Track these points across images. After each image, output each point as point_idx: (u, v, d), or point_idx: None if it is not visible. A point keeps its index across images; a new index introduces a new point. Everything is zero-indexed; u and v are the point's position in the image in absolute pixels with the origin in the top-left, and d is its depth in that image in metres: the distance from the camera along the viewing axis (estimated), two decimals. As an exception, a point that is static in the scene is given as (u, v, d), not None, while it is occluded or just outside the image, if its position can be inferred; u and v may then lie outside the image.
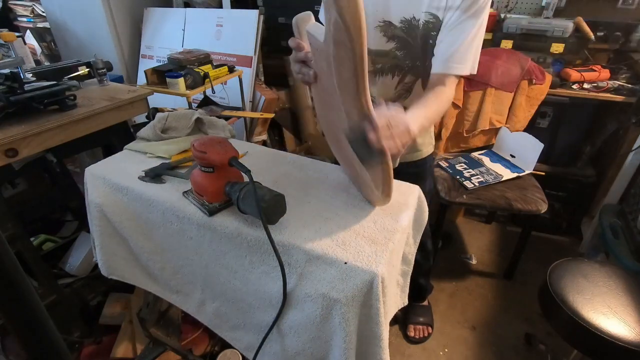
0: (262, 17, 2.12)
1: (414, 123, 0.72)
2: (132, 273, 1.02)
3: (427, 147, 1.22)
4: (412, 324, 1.60)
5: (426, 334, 1.59)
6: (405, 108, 1.03)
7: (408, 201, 0.85)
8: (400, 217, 0.80)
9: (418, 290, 1.62)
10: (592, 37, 1.75)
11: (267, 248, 0.74)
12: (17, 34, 1.45)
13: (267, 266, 0.76)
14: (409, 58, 1.01)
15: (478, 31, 0.90)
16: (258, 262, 0.77)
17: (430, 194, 1.46)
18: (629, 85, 1.72)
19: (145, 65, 2.34)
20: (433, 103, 0.89)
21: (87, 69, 1.51)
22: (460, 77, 0.95)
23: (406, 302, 0.96)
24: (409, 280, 0.95)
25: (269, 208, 0.69)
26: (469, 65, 0.92)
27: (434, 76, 0.95)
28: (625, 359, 0.96)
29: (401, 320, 1.64)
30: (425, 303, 1.68)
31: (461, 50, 0.90)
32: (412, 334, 1.58)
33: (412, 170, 1.19)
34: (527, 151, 1.72)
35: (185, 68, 1.74)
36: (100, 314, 1.52)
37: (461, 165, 1.80)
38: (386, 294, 0.71)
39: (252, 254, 0.77)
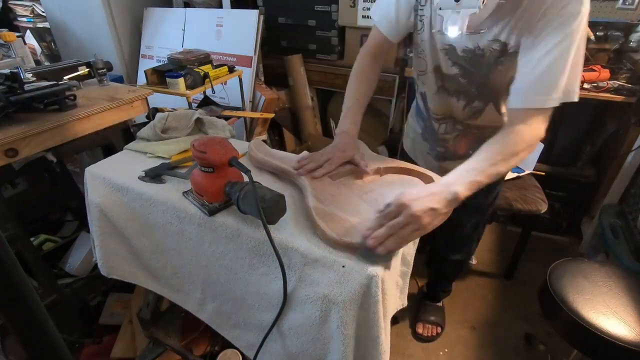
0: (262, 17, 2.12)
1: (457, 185, 0.66)
2: (133, 272, 1.02)
3: None
4: (422, 321, 1.61)
5: (435, 334, 1.59)
6: (479, 126, 1.02)
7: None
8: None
9: (438, 291, 1.64)
10: (592, 37, 1.75)
11: (267, 249, 0.74)
12: (17, 34, 1.45)
13: (267, 267, 0.76)
14: (475, 86, 0.93)
15: (567, 47, 0.72)
16: (258, 263, 0.77)
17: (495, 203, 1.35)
18: (629, 85, 1.72)
19: (145, 65, 2.34)
20: (497, 154, 0.73)
21: (87, 69, 1.51)
22: (549, 109, 0.79)
23: (405, 304, 0.96)
24: (408, 281, 0.95)
25: (269, 208, 0.69)
26: (558, 94, 0.77)
27: (512, 112, 0.81)
28: (625, 359, 0.96)
29: (411, 316, 1.65)
30: (440, 304, 1.68)
31: (544, 75, 0.74)
32: (420, 331, 1.59)
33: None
34: (527, 151, 1.72)
35: (185, 68, 1.73)
36: (100, 314, 1.52)
37: (461, 165, 1.80)
38: (386, 296, 0.70)
39: (252, 255, 0.77)
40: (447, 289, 1.65)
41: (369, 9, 1.96)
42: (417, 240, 0.91)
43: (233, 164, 0.73)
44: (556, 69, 0.74)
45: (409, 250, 0.90)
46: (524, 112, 0.78)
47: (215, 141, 0.75)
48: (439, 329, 1.60)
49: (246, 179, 0.71)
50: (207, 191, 0.78)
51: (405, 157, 1.31)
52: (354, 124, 0.96)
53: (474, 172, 0.71)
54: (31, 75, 1.34)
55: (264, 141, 2.25)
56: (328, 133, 2.54)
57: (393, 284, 0.84)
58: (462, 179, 0.69)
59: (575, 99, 0.79)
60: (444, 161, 1.18)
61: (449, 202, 0.66)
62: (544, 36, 0.73)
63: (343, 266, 0.68)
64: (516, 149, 0.75)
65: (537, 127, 0.78)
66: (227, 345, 0.96)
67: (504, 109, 0.98)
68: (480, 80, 0.92)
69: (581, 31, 0.73)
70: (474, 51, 0.87)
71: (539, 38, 0.74)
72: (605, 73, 1.77)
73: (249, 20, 2.12)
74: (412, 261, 0.92)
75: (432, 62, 0.97)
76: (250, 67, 2.14)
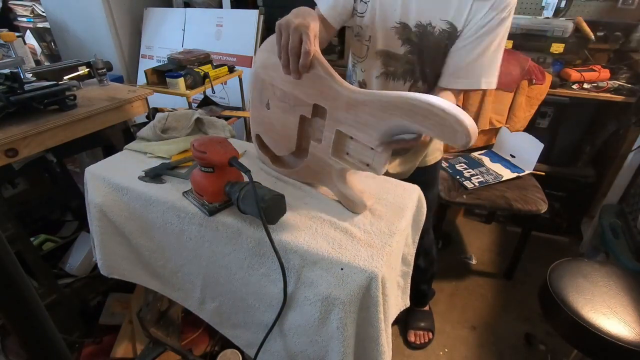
0: (262, 17, 2.12)
1: None
2: (133, 271, 1.02)
3: (435, 153, 1.21)
4: (413, 329, 1.59)
5: (427, 340, 1.57)
6: None
7: (407, 202, 0.85)
8: (399, 218, 0.79)
9: (420, 296, 1.61)
10: (592, 37, 1.75)
11: (267, 249, 0.74)
12: (17, 34, 1.45)
13: (267, 268, 0.76)
14: (421, 64, 0.99)
15: (490, 46, 0.88)
16: (258, 264, 0.77)
17: (436, 199, 1.44)
18: (629, 85, 1.72)
19: (145, 65, 2.34)
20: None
21: (87, 69, 1.51)
22: (465, 91, 0.95)
23: (408, 304, 0.96)
24: (409, 281, 0.95)
25: (269, 208, 0.69)
26: (479, 79, 0.91)
27: (437, 90, 0.95)
28: (625, 359, 0.96)
29: (402, 324, 1.63)
30: (427, 308, 1.66)
31: (470, 65, 0.89)
32: (412, 339, 1.57)
33: (421, 177, 1.15)
34: (527, 151, 1.72)
35: (185, 68, 1.74)
36: (100, 314, 1.52)
37: (461, 165, 1.80)
38: (387, 297, 0.70)
39: (252, 256, 0.77)
40: (428, 292, 1.62)
41: (369, 9, 1.96)
42: (417, 240, 0.92)
43: (233, 164, 0.73)
44: (481, 60, 0.89)
45: (409, 250, 0.90)
46: (447, 91, 0.93)
47: (215, 141, 0.75)
48: (430, 335, 1.58)
49: (246, 179, 0.71)
50: (207, 191, 0.78)
51: None
52: None
53: None
54: (31, 75, 1.34)
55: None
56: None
57: (394, 285, 0.84)
58: None
59: (494, 86, 0.94)
60: None
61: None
62: (482, 32, 0.87)
63: (341, 269, 0.68)
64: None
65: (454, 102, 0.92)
66: (227, 345, 0.97)
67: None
68: (428, 58, 0.97)
69: (507, 31, 0.89)
70: (425, 27, 0.92)
71: (480, 32, 0.87)
72: (605, 73, 1.77)
73: (249, 20, 2.12)
74: (412, 261, 0.92)
75: (379, 44, 0.99)
76: (250, 67, 2.14)
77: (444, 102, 0.60)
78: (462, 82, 0.92)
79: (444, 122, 0.59)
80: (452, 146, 0.67)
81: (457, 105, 0.87)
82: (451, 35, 0.91)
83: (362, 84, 1.10)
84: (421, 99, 0.61)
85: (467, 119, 0.59)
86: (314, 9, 0.94)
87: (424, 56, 0.97)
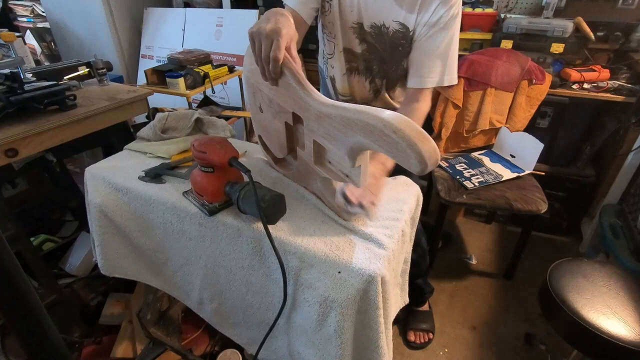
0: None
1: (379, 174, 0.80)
2: (135, 269, 1.02)
3: None
4: (413, 330, 1.57)
5: (427, 340, 1.56)
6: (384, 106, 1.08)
7: (406, 200, 0.85)
8: (398, 218, 0.79)
9: (418, 292, 1.58)
10: (592, 37, 1.75)
11: (267, 250, 0.74)
12: (17, 34, 1.45)
13: (268, 268, 0.76)
14: (377, 62, 1.04)
15: (450, 42, 0.93)
16: (258, 264, 0.77)
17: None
18: (629, 85, 1.72)
19: (145, 65, 2.34)
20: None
21: (87, 69, 1.51)
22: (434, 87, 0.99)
23: (407, 300, 0.96)
24: (407, 278, 0.95)
25: (269, 208, 0.69)
26: (441, 77, 0.96)
27: (410, 91, 1.00)
28: (625, 359, 0.96)
29: (401, 324, 1.62)
30: (426, 308, 1.64)
31: (432, 63, 0.94)
32: (412, 338, 1.55)
33: None
34: (527, 151, 1.72)
35: (185, 68, 1.74)
36: (100, 314, 1.52)
37: (461, 165, 1.80)
38: (387, 299, 0.70)
39: (253, 256, 0.77)
40: (425, 288, 1.58)
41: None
42: (413, 237, 0.92)
43: (233, 164, 0.73)
44: (442, 57, 0.94)
45: (407, 248, 0.90)
46: (418, 91, 0.97)
47: (215, 141, 0.75)
48: (431, 335, 1.57)
49: (246, 179, 0.71)
50: (207, 191, 0.78)
51: None
52: None
53: (382, 165, 0.83)
54: (31, 75, 1.34)
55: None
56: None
57: (393, 285, 0.84)
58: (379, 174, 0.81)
59: (455, 82, 0.98)
60: None
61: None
62: (436, 31, 0.92)
63: (339, 272, 0.67)
64: (419, 124, 0.90)
65: (427, 102, 0.98)
66: (227, 345, 0.97)
67: (395, 94, 1.13)
68: (385, 57, 1.02)
69: (458, 27, 0.94)
70: (380, 28, 0.97)
71: (432, 30, 0.92)
72: (605, 73, 1.77)
73: (249, 20, 2.12)
74: (410, 258, 0.92)
75: (341, 43, 1.05)
76: (250, 67, 2.14)
77: (401, 121, 0.54)
78: (428, 81, 0.96)
79: (397, 145, 0.53)
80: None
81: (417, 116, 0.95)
82: (405, 35, 0.96)
83: (332, 80, 1.16)
84: (376, 115, 0.56)
85: (423, 144, 0.52)
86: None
87: (381, 55, 1.02)
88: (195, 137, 1.09)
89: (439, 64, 0.94)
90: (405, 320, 1.61)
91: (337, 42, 1.06)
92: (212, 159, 0.73)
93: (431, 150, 0.53)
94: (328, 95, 1.23)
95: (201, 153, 0.74)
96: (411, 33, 0.95)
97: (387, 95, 1.14)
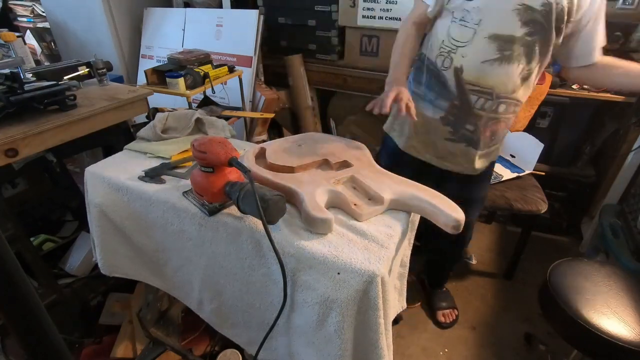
0: (262, 17, 2.12)
1: None
2: (135, 269, 1.02)
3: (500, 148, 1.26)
4: (441, 309, 1.67)
5: (454, 317, 1.66)
6: (517, 99, 1.09)
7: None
8: (397, 219, 0.79)
9: (442, 277, 1.72)
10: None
11: (267, 250, 0.74)
12: (17, 34, 1.45)
13: (268, 269, 0.76)
14: (539, 44, 1.01)
15: (604, 16, 0.98)
16: (258, 264, 0.77)
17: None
18: (629, 85, 1.72)
19: (145, 65, 2.34)
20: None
21: (87, 69, 1.51)
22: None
23: (404, 306, 0.96)
24: (405, 283, 0.95)
25: (269, 208, 0.69)
26: (600, 50, 1.02)
27: (574, 70, 1.09)
28: (625, 359, 0.96)
29: (427, 307, 1.71)
30: (445, 289, 1.74)
31: (597, 38, 1.00)
32: (442, 319, 1.65)
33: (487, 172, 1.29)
34: (527, 151, 1.72)
35: (185, 68, 1.73)
36: (100, 314, 1.52)
37: (461, 165, 1.80)
38: (386, 300, 0.70)
39: (252, 256, 0.77)
40: (447, 274, 1.72)
41: (369, 9, 1.96)
42: (412, 241, 0.91)
43: (233, 164, 0.73)
44: (602, 30, 1.00)
45: (406, 252, 0.90)
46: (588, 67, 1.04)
47: (215, 141, 0.75)
48: (456, 311, 1.68)
49: (246, 179, 0.71)
50: (207, 191, 0.78)
51: (393, 159, 1.30)
52: (403, 75, 1.11)
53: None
54: (31, 75, 1.34)
55: (264, 141, 2.26)
56: (328, 133, 2.54)
57: (391, 288, 0.84)
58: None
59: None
60: (467, 145, 1.16)
61: None
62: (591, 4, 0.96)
63: (338, 273, 0.67)
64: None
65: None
66: (227, 345, 0.97)
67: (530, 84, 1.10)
68: (546, 37, 1.00)
69: None
70: (551, 5, 0.95)
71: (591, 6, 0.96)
72: (605, 73, 1.77)
73: (249, 20, 2.12)
74: (408, 262, 0.92)
75: (490, 28, 0.99)
76: (250, 67, 2.14)
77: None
78: (592, 57, 1.02)
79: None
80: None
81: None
82: (571, 10, 0.95)
83: (459, 70, 1.06)
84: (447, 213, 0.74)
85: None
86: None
87: (544, 36, 0.99)
88: (195, 137, 1.09)
89: (597, 39, 1.01)
90: (429, 302, 1.70)
91: (482, 28, 1.00)
92: (212, 159, 0.73)
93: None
94: (441, 91, 1.12)
95: (201, 153, 0.73)
96: (575, 8, 0.96)
97: (534, 78, 1.09)
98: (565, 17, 0.96)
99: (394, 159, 1.29)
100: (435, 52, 1.10)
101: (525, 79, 1.05)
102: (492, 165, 1.29)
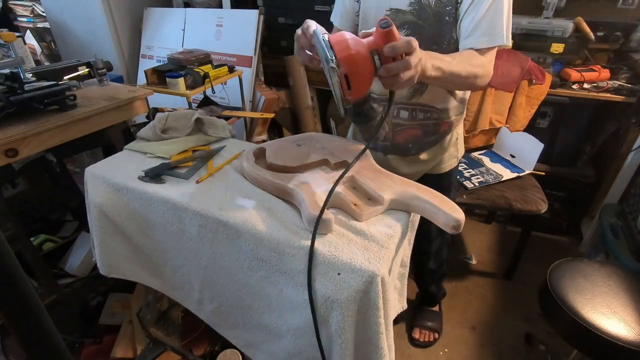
0: (262, 17, 2.12)
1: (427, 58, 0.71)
2: (133, 270, 1.02)
3: (451, 159, 1.18)
4: (419, 327, 1.57)
5: (432, 339, 1.55)
6: (423, 105, 1.02)
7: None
8: (396, 218, 0.79)
9: (430, 297, 1.60)
10: (592, 37, 1.75)
11: (266, 252, 0.74)
12: (17, 34, 1.44)
13: (266, 270, 0.76)
14: (423, 44, 0.92)
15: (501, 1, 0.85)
16: (257, 266, 0.77)
17: None
18: (629, 85, 1.72)
19: (145, 65, 2.34)
20: (457, 55, 0.83)
21: (87, 69, 1.51)
22: (493, 49, 0.89)
23: (405, 306, 0.96)
24: (405, 283, 0.95)
25: None
26: (501, 36, 0.85)
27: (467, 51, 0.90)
28: (625, 359, 0.96)
29: (408, 321, 1.63)
30: (436, 309, 1.64)
31: (486, 21, 0.85)
32: (417, 336, 1.55)
33: (435, 185, 1.07)
34: (527, 151, 1.72)
35: (185, 68, 1.73)
36: (100, 314, 1.52)
37: (461, 165, 1.80)
38: (386, 300, 0.70)
39: (251, 258, 0.77)
40: (437, 293, 1.61)
41: (369, 9, 1.96)
42: (412, 241, 0.91)
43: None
44: (497, 15, 0.85)
45: (406, 252, 0.89)
46: (478, 52, 0.88)
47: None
48: (436, 335, 1.56)
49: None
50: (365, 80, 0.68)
51: None
52: None
53: (438, 57, 0.78)
54: (31, 75, 1.34)
55: (264, 141, 2.26)
56: (328, 133, 2.54)
57: (392, 288, 0.84)
58: (430, 55, 0.76)
59: (510, 43, 0.88)
60: (385, 154, 1.14)
61: (421, 67, 0.71)
62: None
63: (338, 273, 0.67)
64: (474, 61, 0.85)
65: (487, 61, 0.88)
66: (227, 345, 0.96)
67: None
68: (428, 33, 0.93)
69: None
70: (419, 2, 0.91)
71: None
72: (605, 73, 1.77)
73: (249, 20, 2.12)
74: (409, 262, 0.92)
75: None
76: (250, 67, 2.14)
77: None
78: (483, 40, 0.86)
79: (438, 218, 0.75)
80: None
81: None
82: (450, 0, 0.88)
83: None
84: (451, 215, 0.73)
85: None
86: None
87: (426, 33, 0.93)
88: (195, 137, 1.09)
89: (493, 22, 0.85)
90: (412, 317, 1.61)
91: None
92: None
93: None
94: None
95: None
96: None
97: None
98: (448, 8, 0.90)
99: None
100: None
101: (422, 84, 0.99)
102: (445, 176, 1.19)
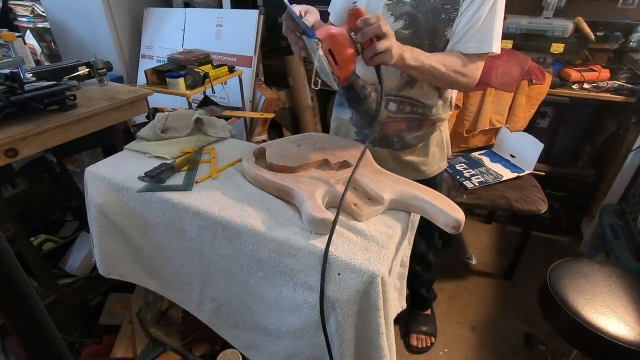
0: (262, 17, 2.12)
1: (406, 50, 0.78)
2: (132, 271, 1.02)
3: (440, 163, 1.17)
4: (415, 332, 1.57)
5: (429, 344, 1.55)
6: (411, 98, 1.02)
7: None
8: (396, 219, 0.79)
9: (420, 300, 1.59)
10: (592, 37, 1.75)
11: (265, 254, 0.74)
12: (17, 34, 1.45)
13: (265, 272, 0.76)
14: (417, 37, 0.95)
15: (496, 9, 0.86)
16: (256, 267, 0.77)
17: None
18: (629, 85, 1.72)
19: (145, 65, 2.34)
20: (440, 55, 0.87)
21: (87, 69, 1.51)
22: (481, 55, 0.91)
23: (404, 306, 0.96)
24: (405, 283, 0.95)
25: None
26: (490, 43, 0.88)
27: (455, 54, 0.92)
28: (625, 359, 0.96)
29: (403, 326, 1.62)
30: (429, 312, 1.64)
31: (479, 28, 0.87)
32: (414, 343, 1.55)
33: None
34: (527, 151, 1.72)
35: (185, 68, 1.73)
36: (100, 314, 1.52)
37: (461, 165, 1.80)
38: (386, 300, 0.70)
39: (251, 259, 0.77)
40: (428, 296, 1.60)
41: (369, 9, 1.96)
42: (412, 241, 0.91)
43: None
44: (490, 24, 0.87)
45: (406, 252, 0.89)
46: (466, 57, 0.90)
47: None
48: (432, 339, 1.56)
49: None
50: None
51: None
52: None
53: (420, 52, 0.83)
54: (31, 75, 1.34)
55: (264, 141, 2.26)
56: (328, 133, 2.53)
57: (392, 288, 0.84)
58: (409, 48, 0.81)
59: (498, 51, 0.91)
60: (374, 145, 1.12)
61: (399, 54, 0.77)
62: None
63: (338, 273, 0.67)
64: (456, 61, 0.88)
65: (472, 67, 0.91)
66: (227, 345, 0.96)
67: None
68: (423, 27, 0.94)
69: None
70: None
71: None
72: (605, 73, 1.77)
73: (249, 20, 2.12)
74: (408, 262, 0.92)
75: None
76: (250, 67, 2.14)
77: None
78: (472, 47, 0.89)
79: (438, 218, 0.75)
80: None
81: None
82: None
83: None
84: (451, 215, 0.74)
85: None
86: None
87: (421, 27, 0.93)
88: (194, 137, 1.09)
89: (484, 30, 0.87)
90: (407, 323, 1.61)
91: None
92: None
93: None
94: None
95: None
96: None
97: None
98: (447, 6, 0.91)
99: None
100: None
101: (412, 77, 0.99)
102: (433, 180, 1.18)
